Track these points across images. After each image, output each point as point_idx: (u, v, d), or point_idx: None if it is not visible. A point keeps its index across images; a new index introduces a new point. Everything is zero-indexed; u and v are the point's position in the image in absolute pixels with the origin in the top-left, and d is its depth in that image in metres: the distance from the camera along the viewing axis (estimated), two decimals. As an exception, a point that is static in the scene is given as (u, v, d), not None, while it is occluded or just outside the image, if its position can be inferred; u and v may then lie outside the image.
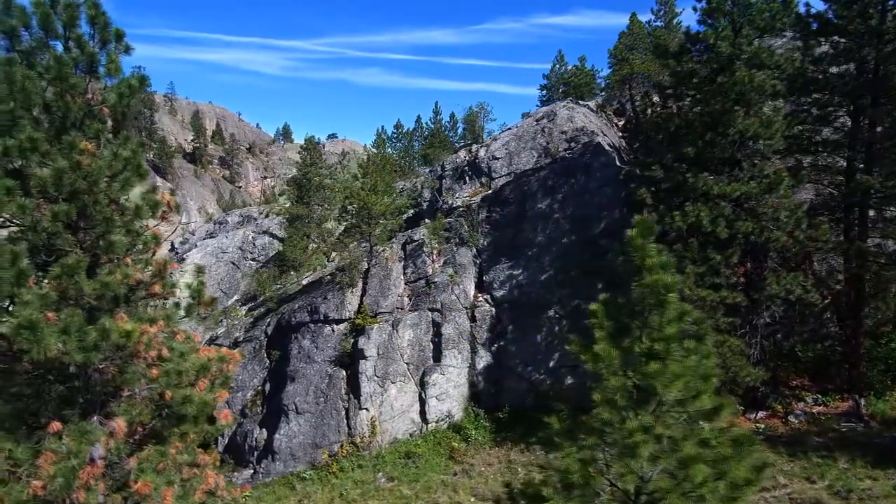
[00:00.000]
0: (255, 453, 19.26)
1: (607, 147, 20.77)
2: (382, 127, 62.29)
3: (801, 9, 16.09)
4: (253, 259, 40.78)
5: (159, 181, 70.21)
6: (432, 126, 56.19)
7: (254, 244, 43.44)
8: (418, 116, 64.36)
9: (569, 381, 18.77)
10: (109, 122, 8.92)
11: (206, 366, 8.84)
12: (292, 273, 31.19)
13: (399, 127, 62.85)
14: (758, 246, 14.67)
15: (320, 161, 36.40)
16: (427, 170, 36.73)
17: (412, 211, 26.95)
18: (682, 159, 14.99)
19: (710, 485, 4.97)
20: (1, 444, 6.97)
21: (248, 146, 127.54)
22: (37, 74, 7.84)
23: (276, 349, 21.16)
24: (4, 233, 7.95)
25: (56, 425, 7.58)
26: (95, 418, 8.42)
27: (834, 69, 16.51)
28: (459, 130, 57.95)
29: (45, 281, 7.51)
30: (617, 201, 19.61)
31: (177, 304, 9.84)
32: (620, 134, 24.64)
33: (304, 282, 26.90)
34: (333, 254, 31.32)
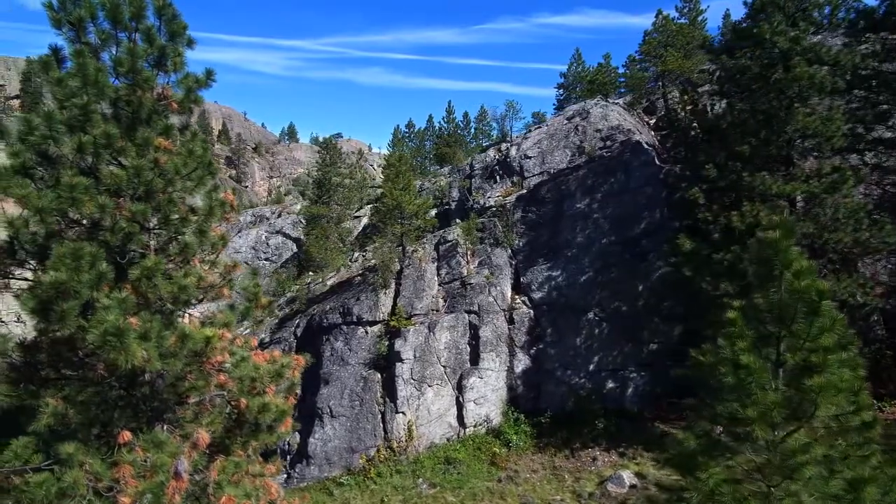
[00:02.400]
0: (289, 457, 18.89)
1: (646, 146, 20.36)
2: (398, 126, 61.90)
3: (858, 3, 15.65)
4: (266, 259, 40.46)
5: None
6: (445, 125, 55.78)
7: (267, 244, 43.11)
8: (430, 116, 63.98)
9: (609, 384, 18.38)
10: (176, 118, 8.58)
11: (280, 372, 8.48)
12: (311, 273, 30.85)
13: (411, 126, 62.51)
14: (816, 247, 14.24)
15: (340, 161, 36.03)
16: (447, 169, 36.40)
17: (433, 211, 26.58)
18: (736, 158, 14.56)
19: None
20: (79, 457, 6.58)
21: (254, 146, 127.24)
22: (109, 68, 7.50)
23: (307, 351, 20.69)
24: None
25: (126, 435, 7.21)
26: (164, 427, 8.08)
27: (887, 66, 16.08)
28: (472, 130, 57.58)
29: (122, 284, 7.14)
30: (657, 201, 19.19)
31: (231, 307, 9.48)
32: (653, 133, 24.19)
33: (330, 282, 26.53)
34: (356, 254, 30.99)
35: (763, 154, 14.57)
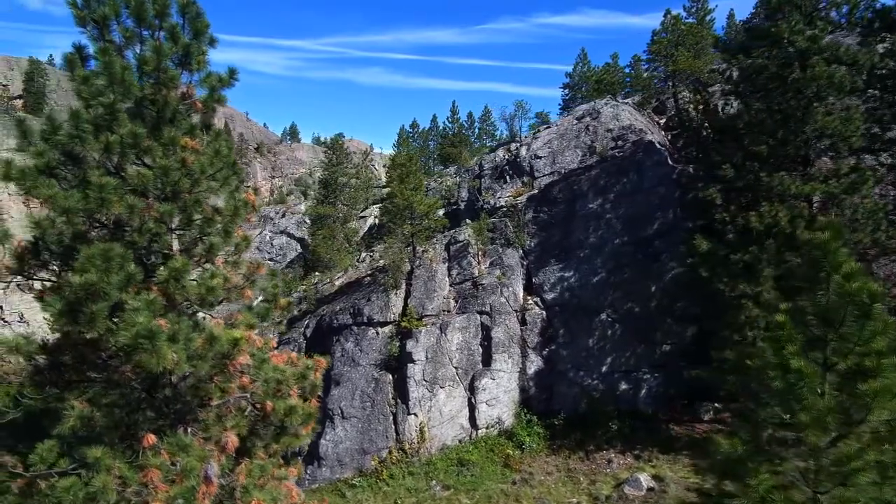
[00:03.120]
0: (300, 458, 18.78)
1: (658, 145, 20.26)
2: (403, 126, 61.80)
3: (875, 3, 15.55)
4: (271, 259, 40.35)
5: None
6: (450, 125, 55.72)
7: (272, 244, 43.04)
8: (434, 116, 63.90)
9: (622, 386, 18.27)
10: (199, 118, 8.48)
11: (305, 374, 8.39)
12: (317, 274, 30.74)
13: (415, 126, 62.42)
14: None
15: (346, 161, 35.94)
16: (453, 169, 36.29)
17: (441, 211, 26.46)
18: (754, 158, 14.45)
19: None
20: (106, 461, 6.49)
21: (256, 146, 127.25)
22: (135, 66, 7.40)
23: (317, 352, 20.61)
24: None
25: (150, 438, 7.12)
26: (189, 430, 7.99)
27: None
28: (476, 130, 57.51)
29: (148, 286, 7.04)
30: (670, 201, 19.09)
31: (249, 308, 9.38)
32: (663, 132, 24.08)
33: (338, 283, 26.43)
34: (363, 254, 30.88)
35: (780, 154, 14.47)
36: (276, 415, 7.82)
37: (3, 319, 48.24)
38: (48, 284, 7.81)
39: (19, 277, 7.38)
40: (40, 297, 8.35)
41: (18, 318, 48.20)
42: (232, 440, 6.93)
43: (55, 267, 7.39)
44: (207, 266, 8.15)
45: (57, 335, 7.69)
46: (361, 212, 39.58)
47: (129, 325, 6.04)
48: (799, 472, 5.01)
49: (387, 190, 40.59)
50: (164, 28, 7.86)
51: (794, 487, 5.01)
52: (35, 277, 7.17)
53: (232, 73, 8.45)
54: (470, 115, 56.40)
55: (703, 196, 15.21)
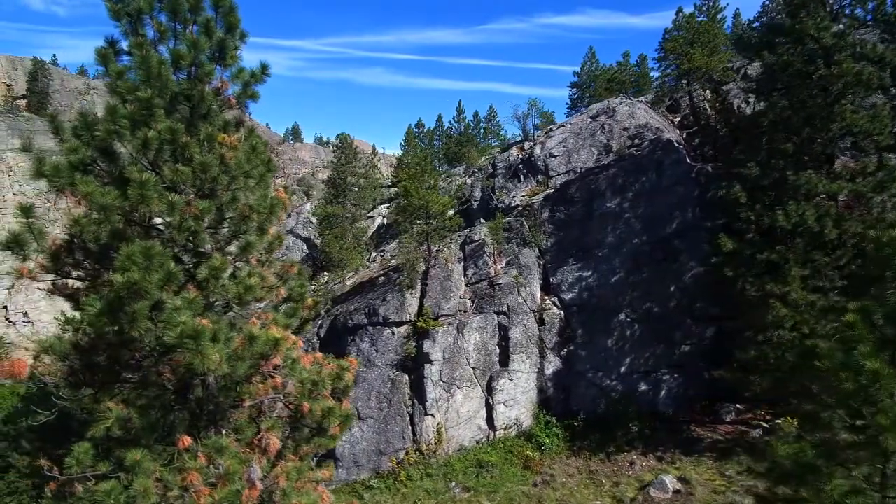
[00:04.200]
0: (315, 459, 18.63)
1: (676, 144, 20.08)
2: (410, 125, 61.70)
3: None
4: (278, 259, 40.05)
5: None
6: (456, 125, 55.63)
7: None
8: (439, 116, 63.69)
9: (642, 387, 18.10)
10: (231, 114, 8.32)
11: (340, 375, 8.24)
12: (326, 274, 30.57)
13: (420, 126, 62.28)
14: (862, 248, 13.95)
15: (355, 160, 35.77)
16: (461, 168, 36.12)
17: (451, 211, 26.28)
18: (779, 156, 14.28)
19: None
20: (147, 464, 6.33)
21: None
22: (170, 60, 7.25)
23: (331, 352, 20.45)
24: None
25: (186, 440, 6.97)
26: (224, 432, 7.84)
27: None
28: (482, 130, 57.31)
29: (186, 284, 6.89)
30: (689, 200, 18.91)
31: (276, 307, 9.24)
32: (677, 131, 23.89)
33: (349, 283, 26.28)
34: (374, 254, 30.73)
35: (806, 152, 14.29)
36: (313, 416, 7.68)
37: (7, 319, 48.16)
38: (80, 284, 7.68)
39: (53, 276, 7.25)
40: (70, 296, 8.23)
41: (23, 317, 48.09)
42: (273, 442, 6.79)
43: (88, 266, 7.25)
44: (240, 265, 8.01)
45: (89, 335, 7.54)
46: (370, 211, 39.40)
47: (173, 324, 5.89)
48: (862, 476, 4.85)
49: (394, 189, 40.36)
50: (197, 22, 7.72)
51: (861, 492, 4.85)
52: (70, 277, 7.02)
53: (264, 68, 8.28)
54: (476, 114, 56.10)
55: (727, 195, 15.02)
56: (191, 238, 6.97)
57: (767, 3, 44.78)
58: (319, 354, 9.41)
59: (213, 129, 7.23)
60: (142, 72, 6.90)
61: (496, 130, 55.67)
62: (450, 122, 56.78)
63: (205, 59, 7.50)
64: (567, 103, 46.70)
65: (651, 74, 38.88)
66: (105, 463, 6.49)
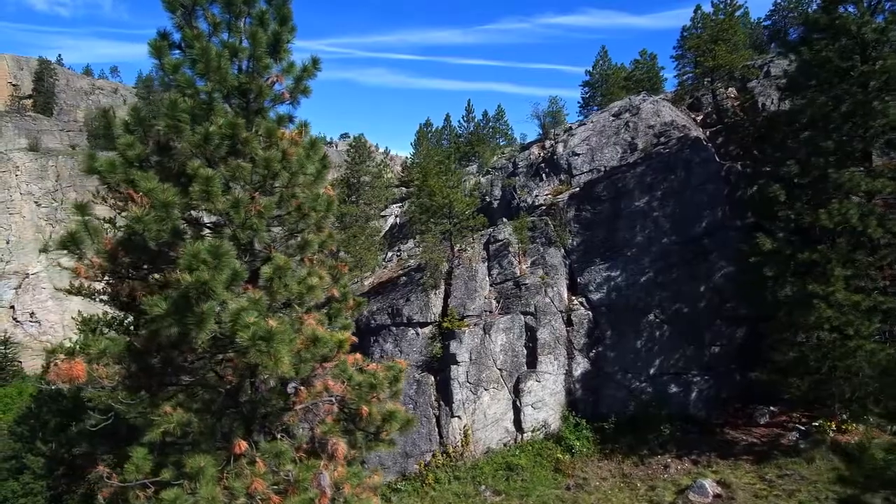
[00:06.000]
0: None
1: (705, 142, 19.81)
2: (421, 125, 61.48)
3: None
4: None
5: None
6: (465, 125, 55.43)
7: (288, 244, 42.48)
8: (447, 115, 63.37)
9: (672, 388, 17.82)
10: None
11: (397, 377, 8.00)
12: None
13: (428, 125, 62.08)
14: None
15: (369, 159, 35.55)
16: (474, 167, 35.87)
17: (468, 210, 26.00)
18: (819, 153, 14.01)
19: None
20: (211, 470, 6.10)
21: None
22: (229, 54, 7.02)
23: (354, 352, 20.28)
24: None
25: (242, 445, 6.76)
26: (278, 436, 7.61)
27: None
28: (490, 130, 57.04)
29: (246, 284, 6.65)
30: (719, 199, 18.64)
31: (318, 307, 8.99)
32: (701, 129, 23.61)
33: (367, 283, 26.05)
34: (390, 253, 30.51)
35: (847, 149, 14.03)
36: (372, 420, 7.44)
37: (14, 319, 48.02)
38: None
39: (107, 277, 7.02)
40: (114, 297, 8.01)
41: (30, 317, 47.94)
42: (341, 448, 6.56)
43: (146, 266, 7.03)
44: (294, 264, 7.78)
45: (143, 337, 7.30)
46: (382, 211, 39.16)
47: (244, 325, 5.66)
48: None
49: (404, 189, 40.01)
50: (251, 14, 7.49)
51: None
52: (130, 277, 6.79)
53: (315, 62, 8.03)
54: (485, 113, 55.91)
55: (764, 193, 14.75)
56: (254, 236, 6.73)
57: (780, 1, 44.52)
58: (359, 355, 9.17)
59: (271, 125, 7.01)
60: (201, 65, 6.67)
61: (504, 130, 55.49)
62: (459, 121, 56.63)
63: (262, 52, 7.27)
64: (579, 102, 46.49)
65: (661, 74, 38.69)
66: (168, 470, 6.26)
